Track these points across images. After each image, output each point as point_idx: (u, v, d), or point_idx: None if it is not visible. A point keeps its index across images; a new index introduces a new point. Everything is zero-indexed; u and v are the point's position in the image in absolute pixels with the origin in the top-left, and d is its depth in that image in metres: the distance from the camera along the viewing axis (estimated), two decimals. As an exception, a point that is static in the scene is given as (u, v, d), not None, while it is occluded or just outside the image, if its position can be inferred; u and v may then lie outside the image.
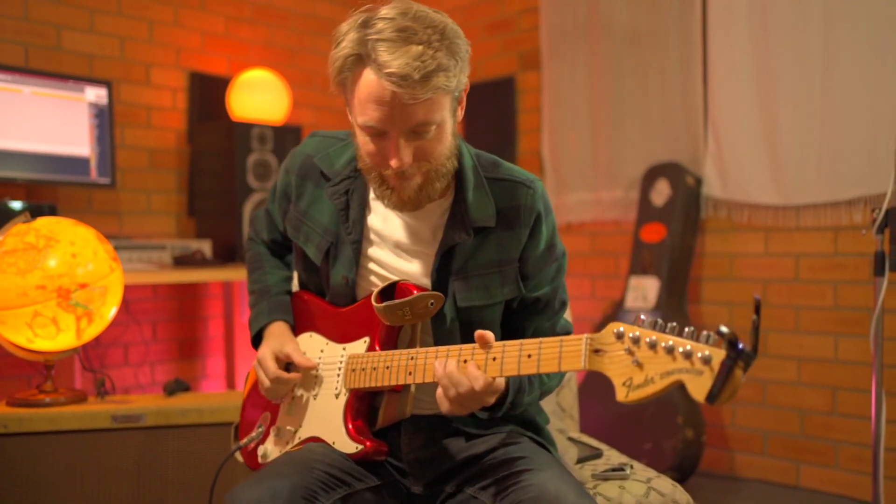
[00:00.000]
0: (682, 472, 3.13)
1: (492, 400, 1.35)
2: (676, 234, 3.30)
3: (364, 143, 1.42)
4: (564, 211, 3.83)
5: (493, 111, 4.13)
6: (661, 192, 3.38)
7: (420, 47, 1.31)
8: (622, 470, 1.65)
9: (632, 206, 3.57)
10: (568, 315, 1.67)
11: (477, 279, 1.48)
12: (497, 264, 1.49)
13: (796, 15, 3.07)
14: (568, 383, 2.09)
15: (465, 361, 1.33)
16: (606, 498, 1.55)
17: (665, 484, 1.62)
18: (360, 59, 1.35)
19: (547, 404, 1.98)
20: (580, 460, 1.76)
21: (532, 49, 4.00)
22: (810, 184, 3.06)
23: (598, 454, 1.81)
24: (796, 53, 3.07)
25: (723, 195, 3.30)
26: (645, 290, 3.33)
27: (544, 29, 3.89)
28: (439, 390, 1.35)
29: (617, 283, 3.68)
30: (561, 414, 2.07)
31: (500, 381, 1.36)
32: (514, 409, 1.46)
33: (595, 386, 3.35)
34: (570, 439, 1.88)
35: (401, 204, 1.46)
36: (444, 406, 1.34)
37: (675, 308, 3.28)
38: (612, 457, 1.81)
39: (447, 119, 1.40)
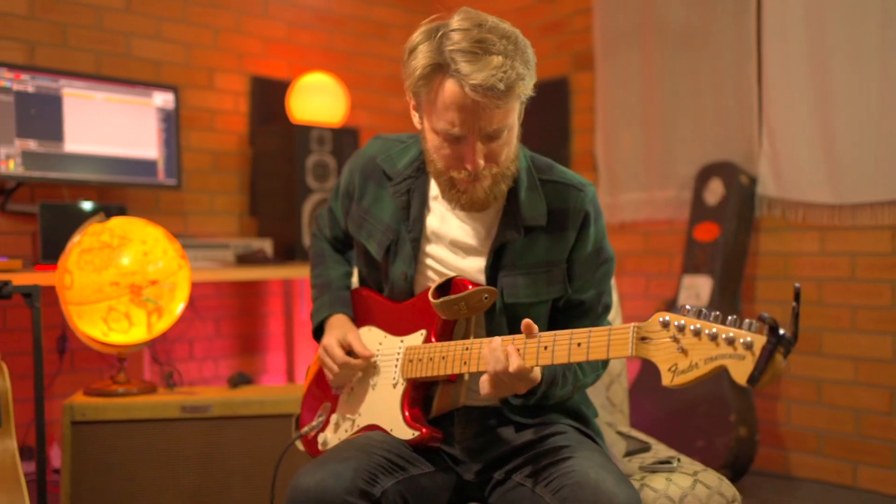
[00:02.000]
0: (736, 471, 3.13)
1: (524, 389, 1.42)
2: (730, 233, 3.31)
3: (438, 147, 1.49)
4: (618, 210, 3.86)
5: (547, 112, 4.17)
6: (715, 192, 3.38)
7: (499, 58, 1.37)
8: (669, 463, 1.69)
9: (685, 206, 3.58)
10: (611, 318, 1.73)
11: (525, 277, 1.54)
12: (545, 265, 1.55)
13: (853, 11, 3.05)
14: (618, 378, 2.13)
15: (518, 350, 1.39)
16: (653, 489, 1.59)
17: (711, 477, 1.65)
18: (440, 68, 1.42)
19: (596, 398, 2.02)
20: (628, 453, 1.80)
21: (586, 50, 4.03)
22: (867, 182, 3.03)
23: (646, 448, 1.85)
24: (853, 50, 3.05)
25: (777, 194, 3.29)
26: (698, 288, 3.34)
27: (598, 30, 3.92)
28: (484, 375, 1.42)
29: (670, 282, 3.69)
30: (611, 408, 2.11)
31: (536, 373, 1.42)
32: (546, 400, 1.53)
33: (648, 383, 3.37)
34: (619, 433, 1.92)
35: (470, 204, 1.53)
36: (484, 387, 1.42)
37: (729, 307, 3.28)
38: (661, 451, 1.85)
39: (516, 123, 1.49)
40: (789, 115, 3.23)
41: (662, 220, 3.73)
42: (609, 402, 2.11)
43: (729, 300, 3.31)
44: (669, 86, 3.64)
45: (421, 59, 1.43)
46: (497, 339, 1.41)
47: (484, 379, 1.42)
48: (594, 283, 1.60)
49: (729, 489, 1.63)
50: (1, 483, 1.75)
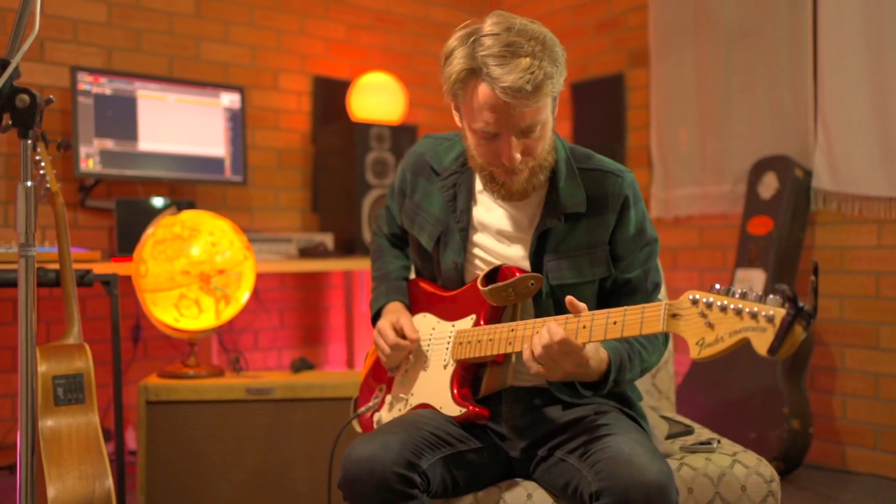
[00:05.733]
0: (788, 463, 3.14)
1: (572, 366, 1.46)
2: (784, 226, 3.32)
3: (476, 145, 1.59)
4: (672, 205, 3.89)
5: (603, 108, 4.22)
6: (769, 186, 3.39)
7: (528, 59, 1.47)
8: (709, 444, 1.75)
9: (739, 200, 3.59)
10: (663, 295, 1.79)
11: (568, 260, 1.62)
12: (587, 246, 1.63)
13: (910, 4, 3.04)
14: (665, 366, 2.19)
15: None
16: (692, 468, 1.65)
17: (750, 458, 1.70)
18: (473, 72, 1.52)
19: (642, 384, 2.08)
20: (670, 436, 1.86)
21: (641, 46, 4.06)
22: (924, 175, 3.02)
23: (688, 431, 1.90)
24: (910, 43, 3.04)
25: (833, 187, 3.29)
26: (751, 282, 3.35)
27: (653, 26, 3.95)
28: (526, 351, 1.48)
29: (724, 276, 3.71)
30: (657, 395, 2.17)
31: (588, 351, 1.47)
32: (617, 385, 1.58)
33: (700, 375, 3.40)
34: (663, 417, 1.98)
35: (509, 195, 1.63)
36: (532, 367, 1.47)
37: (783, 300, 3.28)
38: (703, 434, 1.90)
39: (549, 117, 1.57)
40: (845, 108, 3.23)
41: (717, 215, 3.75)
42: (655, 389, 2.17)
43: (783, 294, 3.30)
44: (724, 81, 3.66)
45: (456, 65, 1.53)
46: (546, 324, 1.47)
47: (527, 357, 1.48)
48: (639, 263, 1.67)
49: (767, 469, 1.68)
50: (85, 454, 1.90)
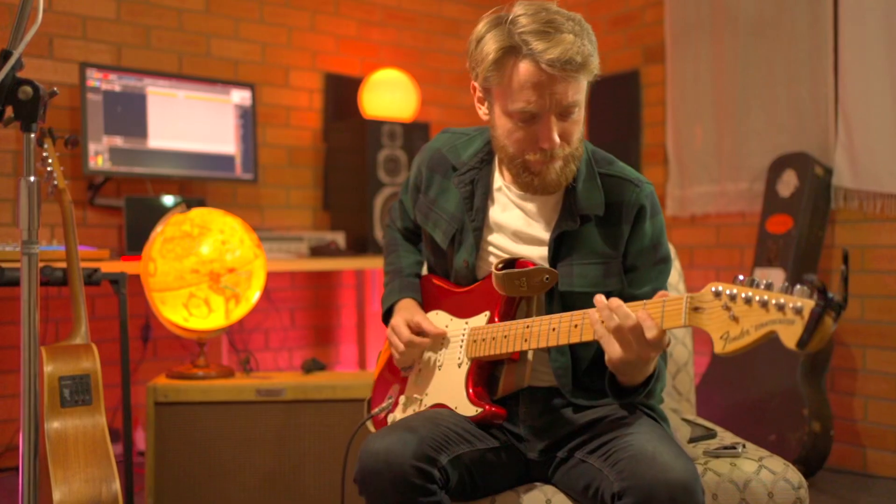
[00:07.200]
0: (809, 466, 3.08)
1: (655, 354, 1.37)
2: (803, 225, 3.25)
3: (511, 131, 1.53)
4: (688, 203, 3.83)
5: (618, 105, 4.16)
6: (788, 183, 3.33)
7: (571, 35, 1.44)
8: (734, 448, 1.69)
9: (757, 198, 3.53)
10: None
11: (581, 268, 1.57)
12: (600, 256, 1.58)
13: (934, -2, 2.97)
14: (685, 367, 2.13)
15: (576, 326, 1.42)
16: (717, 473, 1.60)
17: (777, 463, 1.64)
18: (512, 51, 1.48)
19: (662, 386, 2.03)
20: (693, 440, 1.80)
21: (656, 43, 4.00)
22: (948, 172, 2.95)
23: (711, 434, 1.84)
24: (934, 37, 2.97)
25: (854, 185, 3.22)
26: (770, 281, 3.28)
27: (668, 22, 3.90)
28: (609, 338, 1.37)
29: (742, 275, 3.64)
30: (677, 397, 2.11)
31: (667, 337, 1.36)
32: (649, 397, 1.52)
33: (718, 376, 3.34)
34: (685, 420, 1.93)
35: (543, 187, 1.57)
36: (615, 351, 1.36)
37: (803, 300, 3.22)
38: (726, 437, 1.85)
39: (583, 101, 1.53)
40: (867, 103, 3.16)
41: (734, 213, 3.69)
42: (675, 391, 2.12)
43: (803, 293, 3.24)
44: (742, 77, 3.60)
45: (491, 45, 1.49)
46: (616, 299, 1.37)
47: (610, 342, 1.37)
48: (650, 279, 1.60)
49: (795, 475, 1.62)
50: (91, 456, 1.86)
